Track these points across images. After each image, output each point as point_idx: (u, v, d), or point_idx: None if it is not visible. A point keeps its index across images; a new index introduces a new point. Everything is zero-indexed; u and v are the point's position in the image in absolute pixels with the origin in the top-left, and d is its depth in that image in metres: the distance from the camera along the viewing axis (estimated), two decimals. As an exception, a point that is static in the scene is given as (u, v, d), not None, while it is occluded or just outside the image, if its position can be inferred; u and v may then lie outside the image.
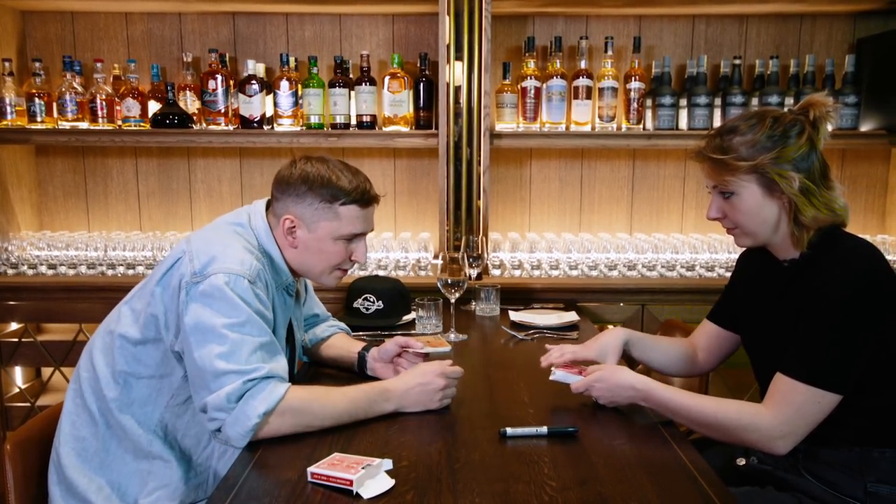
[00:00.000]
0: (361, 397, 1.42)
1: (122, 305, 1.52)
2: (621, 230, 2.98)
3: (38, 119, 2.68)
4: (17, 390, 2.73)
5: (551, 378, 1.57)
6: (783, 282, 1.45)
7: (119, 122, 2.69)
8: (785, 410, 1.30)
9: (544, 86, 2.67)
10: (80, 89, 2.70)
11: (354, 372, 1.75)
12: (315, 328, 1.90)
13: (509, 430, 1.35)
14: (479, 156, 2.61)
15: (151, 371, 1.45)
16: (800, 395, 1.30)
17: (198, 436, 1.49)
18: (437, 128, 2.63)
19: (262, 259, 1.49)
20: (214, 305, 1.35)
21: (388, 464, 1.20)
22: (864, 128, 2.65)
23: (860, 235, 1.43)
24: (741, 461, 1.51)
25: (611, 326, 2.70)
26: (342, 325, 1.95)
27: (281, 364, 1.38)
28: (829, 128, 1.40)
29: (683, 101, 2.67)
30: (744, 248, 1.67)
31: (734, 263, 2.56)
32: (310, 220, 1.51)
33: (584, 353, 1.64)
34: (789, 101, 2.62)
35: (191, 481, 1.49)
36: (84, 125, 2.70)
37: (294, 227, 1.52)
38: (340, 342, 1.85)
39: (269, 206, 1.58)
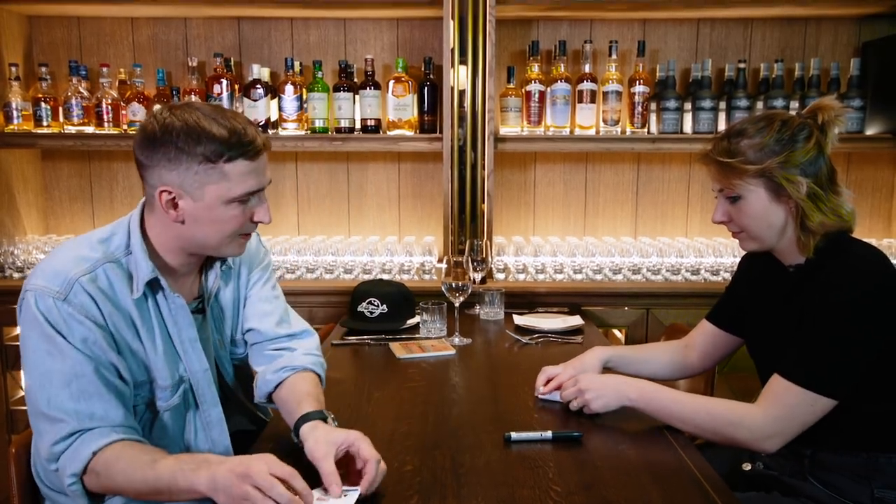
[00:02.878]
0: (171, 465, 1.12)
1: None
2: (626, 234, 2.97)
3: (45, 123, 2.69)
4: (23, 394, 2.74)
5: (541, 396, 1.58)
6: (789, 287, 1.44)
7: (124, 127, 2.70)
8: (777, 410, 1.31)
9: (548, 89, 2.67)
10: (85, 94, 2.71)
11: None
12: (265, 368, 1.49)
13: (514, 435, 1.35)
14: (484, 159, 2.61)
15: None
16: (794, 398, 1.30)
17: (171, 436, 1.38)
18: (441, 132, 2.63)
19: (127, 258, 1.30)
20: (24, 329, 1.23)
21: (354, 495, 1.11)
22: (870, 131, 2.64)
23: (866, 240, 1.43)
24: (747, 466, 1.51)
25: (615, 331, 2.70)
26: (307, 360, 1.48)
27: (97, 404, 1.19)
28: (837, 132, 1.40)
29: (688, 105, 2.66)
30: (744, 256, 1.66)
31: (739, 267, 2.59)
32: (192, 187, 1.25)
33: (566, 374, 1.60)
34: (794, 104, 2.62)
35: None
36: (90, 129, 2.71)
37: (174, 197, 1.25)
38: (286, 395, 1.41)
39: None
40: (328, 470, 1.14)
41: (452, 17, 2.54)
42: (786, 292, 1.45)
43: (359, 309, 2.22)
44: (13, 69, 2.66)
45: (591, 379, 1.47)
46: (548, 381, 1.60)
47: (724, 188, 1.43)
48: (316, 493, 1.12)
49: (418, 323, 2.20)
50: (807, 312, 1.34)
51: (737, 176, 1.39)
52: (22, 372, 1.28)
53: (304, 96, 2.69)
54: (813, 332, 1.31)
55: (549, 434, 1.35)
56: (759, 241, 1.45)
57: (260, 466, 1.04)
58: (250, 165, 1.27)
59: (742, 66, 2.66)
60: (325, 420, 1.28)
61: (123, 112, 2.70)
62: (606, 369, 1.66)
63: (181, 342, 1.36)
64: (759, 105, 2.64)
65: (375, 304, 2.21)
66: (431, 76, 2.69)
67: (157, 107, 1.29)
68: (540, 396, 1.59)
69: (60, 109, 2.72)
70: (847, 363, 1.29)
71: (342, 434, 1.20)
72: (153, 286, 1.32)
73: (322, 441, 1.19)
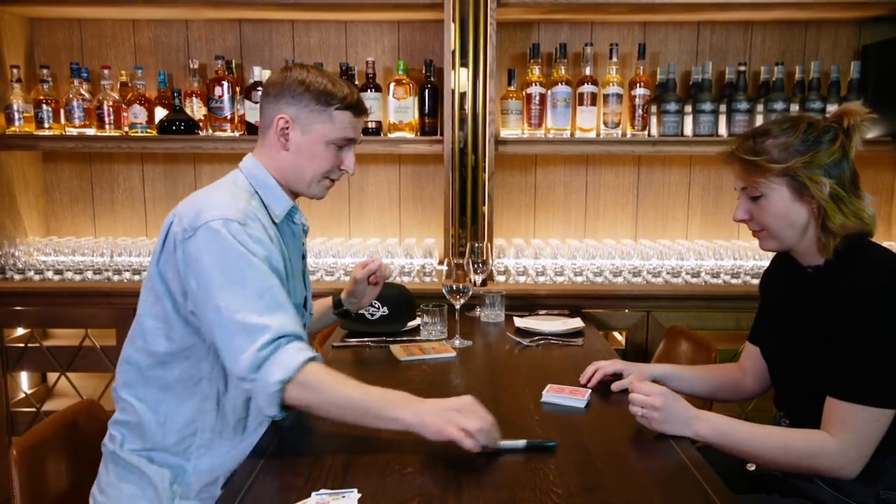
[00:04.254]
0: (378, 394, 1.32)
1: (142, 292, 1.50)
2: (626, 236, 2.98)
3: (46, 125, 2.70)
4: (23, 395, 2.74)
5: (542, 401, 1.57)
6: (806, 287, 1.45)
7: (126, 129, 2.70)
8: (850, 436, 1.30)
9: (549, 92, 2.68)
10: (87, 96, 2.72)
11: (334, 315, 1.97)
12: None
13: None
14: (484, 162, 2.61)
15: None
16: (858, 418, 1.29)
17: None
18: (442, 134, 2.64)
19: (255, 196, 1.50)
20: (210, 257, 1.34)
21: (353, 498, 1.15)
22: (870, 134, 2.64)
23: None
24: (751, 466, 1.51)
25: (616, 333, 2.70)
26: None
27: (288, 314, 1.35)
28: (861, 136, 1.41)
29: (688, 108, 2.67)
30: (764, 272, 1.67)
31: (739, 269, 2.60)
32: (304, 122, 1.51)
33: (622, 368, 1.66)
34: (794, 107, 2.62)
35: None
36: (91, 131, 2.72)
37: (287, 127, 1.51)
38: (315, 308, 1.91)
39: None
40: (360, 265, 1.91)
41: (453, 20, 2.54)
42: (804, 292, 1.46)
43: (359, 311, 2.22)
44: (15, 71, 2.67)
45: (668, 403, 1.38)
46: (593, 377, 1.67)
47: (746, 186, 1.44)
48: (315, 495, 1.13)
49: (419, 325, 2.20)
50: (830, 319, 1.34)
51: (760, 174, 1.40)
52: (200, 300, 1.36)
53: (305, 98, 2.69)
54: (852, 345, 1.31)
55: (521, 443, 1.30)
56: (780, 241, 1.45)
57: (468, 402, 1.29)
58: (352, 120, 1.54)
59: (742, 68, 2.67)
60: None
61: (125, 114, 2.70)
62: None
63: (298, 269, 1.62)
64: (760, 108, 2.65)
65: (376, 306, 2.20)
66: (432, 79, 2.70)
67: (292, 65, 1.59)
68: (543, 398, 1.59)
69: (62, 111, 2.72)
70: (894, 369, 1.29)
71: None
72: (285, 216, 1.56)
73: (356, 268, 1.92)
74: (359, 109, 1.55)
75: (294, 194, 1.60)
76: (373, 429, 1.32)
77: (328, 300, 1.97)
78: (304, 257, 1.70)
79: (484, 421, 1.26)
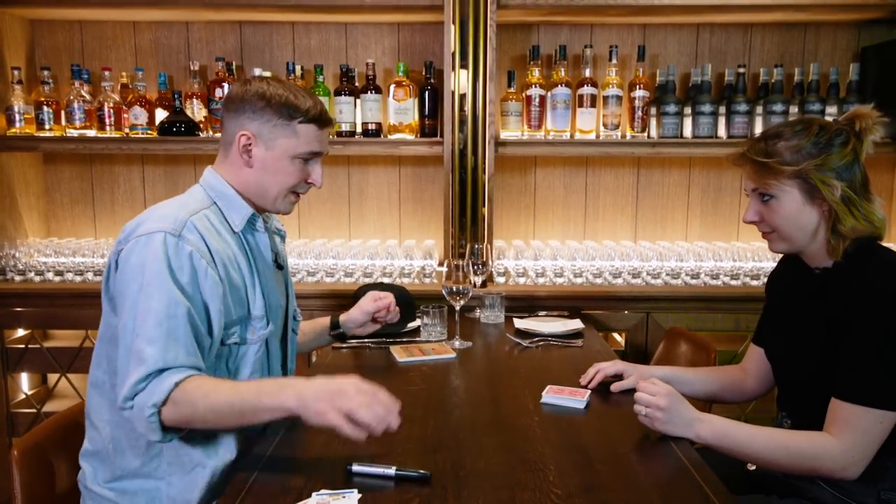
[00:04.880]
0: (251, 387, 1.29)
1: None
2: (626, 238, 2.98)
3: (47, 127, 2.70)
4: (24, 396, 2.74)
5: (542, 401, 1.58)
6: (814, 288, 1.46)
7: (126, 130, 2.71)
8: (852, 437, 1.30)
9: (549, 94, 2.68)
10: (87, 97, 2.72)
11: (329, 337, 1.92)
12: None
13: (355, 467, 1.23)
14: (484, 163, 2.62)
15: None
16: (862, 419, 1.30)
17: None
18: (442, 136, 2.64)
19: (214, 207, 1.47)
20: (132, 269, 1.32)
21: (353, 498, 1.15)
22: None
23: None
24: (751, 466, 1.52)
25: (615, 334, 2.71)
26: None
27: (181, 347, 1.29)
28: (872, 139, 1.42)
29: (688, 110, 2.67)
30: (770, 274, 1.68)
31: (738, 271, 2.60)
32: (267, 137, 1.47)
33: (623, 369, 1.67)
34: (794, 109, 2.63)
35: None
36: (92, 133, 2.72)
37: (250, 144, 1.47)
38: (306, 326, 1.89)
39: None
40: (373, 297, 1.89)
41: (453, 22, 2.55)
42: (811, 293, 1.46)
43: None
44: (16, 73, 2.67)
45: (673, 404, 1.38)
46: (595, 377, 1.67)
47: (758, 187, 1.44)
48: (316, 496, 1.14)
49: (419, 326, 2.20)
50: (837, 320, 1.35)
51: (772, 176, 1.41)
52: (118, 308, 1.36)
53: (306, 100, 2.69)
54: (858, 347, 1.32)
55: (391, 471, 1.21)
56: (790, 243, 1.45)
57: (350, 384, 1.22)
58: (317, 132, 1.50)
59: (742, 70, 2.67)
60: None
61: (125, 115, 2.71)
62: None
63: (267, 279, 1.54)
64: (759, 110, 2.65)
65: (376, 307, 2.20)
66: (432, 80, 2.70)
67: (250, 77, 1.59)
68: (542, 399, 1.59)
69: (62, 113, 2.72)
70: None
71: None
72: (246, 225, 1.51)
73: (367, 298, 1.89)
74: (323, 121, 1.51)
75: (259, 209, 1.55)
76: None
77: (325, 321, 1.92)
78: (280, 267, 1.64)
79: (375, 405, 1.20)
